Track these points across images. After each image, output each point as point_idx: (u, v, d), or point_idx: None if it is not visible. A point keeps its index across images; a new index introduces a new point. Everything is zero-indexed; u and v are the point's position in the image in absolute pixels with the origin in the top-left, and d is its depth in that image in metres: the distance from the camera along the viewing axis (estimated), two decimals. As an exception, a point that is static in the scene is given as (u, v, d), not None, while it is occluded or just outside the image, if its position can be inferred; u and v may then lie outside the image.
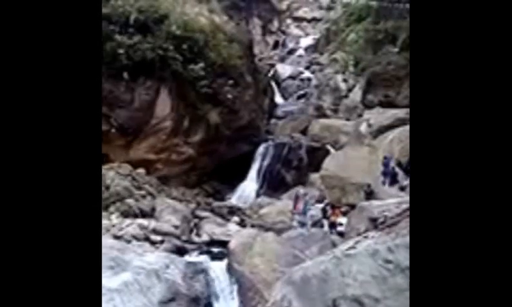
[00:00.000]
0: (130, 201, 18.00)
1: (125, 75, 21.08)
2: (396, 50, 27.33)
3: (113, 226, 15.94)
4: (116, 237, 15.00)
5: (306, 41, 47.71)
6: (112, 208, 17.27)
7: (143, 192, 19.28)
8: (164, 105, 22.34)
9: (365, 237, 12.03)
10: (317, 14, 54.15)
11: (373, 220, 16.03)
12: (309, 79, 37.76)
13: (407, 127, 20.47)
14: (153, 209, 18.34)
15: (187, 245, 16.83)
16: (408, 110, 22.99)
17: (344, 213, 18.68)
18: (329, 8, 52.66)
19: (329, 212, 18.58)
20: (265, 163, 25.73)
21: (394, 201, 16.38)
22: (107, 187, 17.94)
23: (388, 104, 26.21)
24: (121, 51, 20.83)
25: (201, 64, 22.86)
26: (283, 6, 54.43)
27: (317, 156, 25.18)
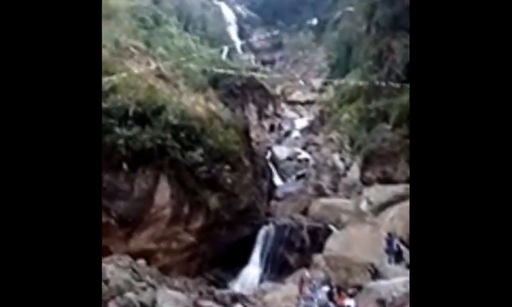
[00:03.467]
0: (130, 294, 17.02)
1: (125, 165, 20.69)
2: (389, 127, 27.22)
3: (112, 323, 14.96)
4: (116, 335, 13.98)
5: (302, 123, 48.05)
6: (111, 304, 16.30)
7: (143, 284, 18.32)
8: (163, 193, 21.81)
9: (376, 322, 11.27)
10: (310, 97, 55.03)
11: (381, 302, 15.17)
12: (306, 160, 37.59)
13: (407, 203, 19.94)
14: (155, 302, 17.31)
15: (190, 339, 15.76)
16: (406, 185, 22.54)
17: (351, 296, 17.71)
18: (321, 91, 53.58)
19: (336, 295, 17.63)
20: (267, 246, 24.91)
21: (401, 280, 15.59)
22: (106, 281, 17.02)
23: (386, 180, 25.76)
24: (120, 142, 20.55)
25: (199, 151, 22.60)
26: (277, 91, 55.36)
27: (319, 236, 24.46)
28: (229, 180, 24.07)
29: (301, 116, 51.23)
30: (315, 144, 39.91)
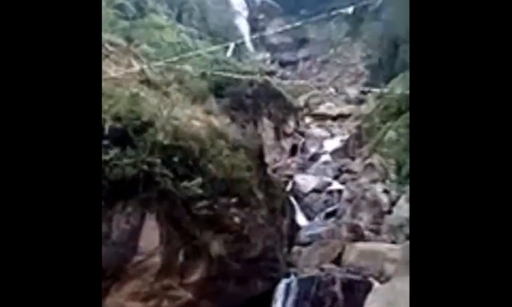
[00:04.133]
0: None
1: (100, 199, 20.94)
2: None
3: None
4: None
5: (333, 144, 48.24)
6: None
7: (125, 356, 18.52)
8: (150, 235, 21.95)
9: None
10: (344, 109, 55.30)
11: None
12: (339, 192, 37.62)
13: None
14: None
15: None
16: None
17: None
18: (358, 101, 53.92)
19: None
20: (289, 305, 24.99)
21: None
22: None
23: (444, 219, 25.81)
24: (93, 169, 20.81)
25: (198, 180, 22.73)
26: (301, 101, 55.61)
27: (356, 292, 24.45)
28: (237, 219, 24.21)
29: (332, 135, 51.47)
30: (350, 171, 40.01)
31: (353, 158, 41.93)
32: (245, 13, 72.37)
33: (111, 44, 29.47)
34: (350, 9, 22.33)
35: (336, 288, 24.98)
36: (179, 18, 50.02)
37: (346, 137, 47.86)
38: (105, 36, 29.92)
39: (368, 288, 24.30)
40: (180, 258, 22.80)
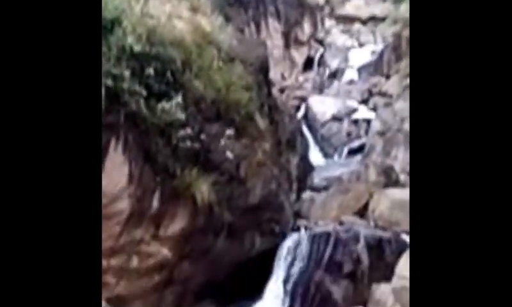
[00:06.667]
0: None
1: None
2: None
3: None
4: None
5: (361, 57, 48.14)
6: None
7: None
8: (116, 172, 21.79)
9: None
10: (378, 10, 54.68)
11: None
12: (367, 121, 37.50)
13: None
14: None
15: None
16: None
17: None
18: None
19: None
20: (296, 269, 25.21)
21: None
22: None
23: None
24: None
25: (178, 100, 22.44)
26: (320, -2, 54.92)
27: (385, 253, 24.67)
28: (231, 154, 24.15)
29: (361, 44, 51.20)
30: (383, 93, 39.87)
31: (388, 77, 41.63)
32: None
33: None
34: None
35: (360, 247, 25.15)
36: None
37: (380, 47, 47.62)
38: None
39: (402, 248, 24.36)
40: (155, 203, 22.76)
